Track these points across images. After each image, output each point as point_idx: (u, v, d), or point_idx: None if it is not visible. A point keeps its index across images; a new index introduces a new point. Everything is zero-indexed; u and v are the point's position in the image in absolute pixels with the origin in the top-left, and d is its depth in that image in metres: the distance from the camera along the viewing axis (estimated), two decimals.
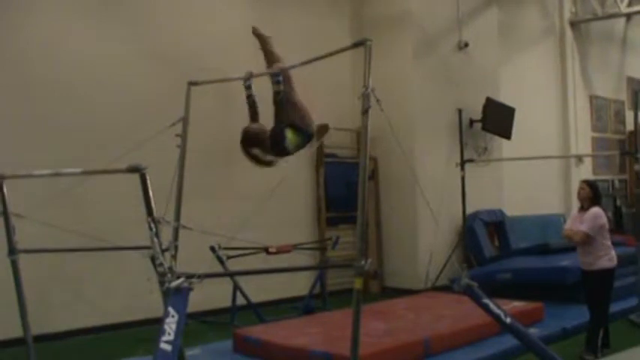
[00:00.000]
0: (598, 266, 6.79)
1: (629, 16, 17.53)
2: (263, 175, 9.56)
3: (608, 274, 6.83)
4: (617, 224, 16.21)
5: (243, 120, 10.29)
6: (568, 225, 7.17)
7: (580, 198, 7.05)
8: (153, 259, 4.21)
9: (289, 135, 5.61)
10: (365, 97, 4.67)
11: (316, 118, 10.99)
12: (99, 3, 8.89)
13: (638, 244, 8.98)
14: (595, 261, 6.79)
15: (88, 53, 8.65)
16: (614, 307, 7.79)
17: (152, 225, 4.08)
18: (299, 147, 5.74)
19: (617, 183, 17.30)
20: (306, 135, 5.73)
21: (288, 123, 5.62)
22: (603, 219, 6.84)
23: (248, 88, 5.99)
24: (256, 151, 5.68)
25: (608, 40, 17.56)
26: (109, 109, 8.76)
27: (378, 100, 4.65)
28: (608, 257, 6.82)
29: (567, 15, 15.98)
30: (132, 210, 5.45)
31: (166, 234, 4.93)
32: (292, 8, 11.00)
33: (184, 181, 6.52)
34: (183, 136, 6.47)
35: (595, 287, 6.87)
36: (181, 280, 3.93)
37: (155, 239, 4.06)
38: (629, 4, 16.06)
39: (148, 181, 4.17)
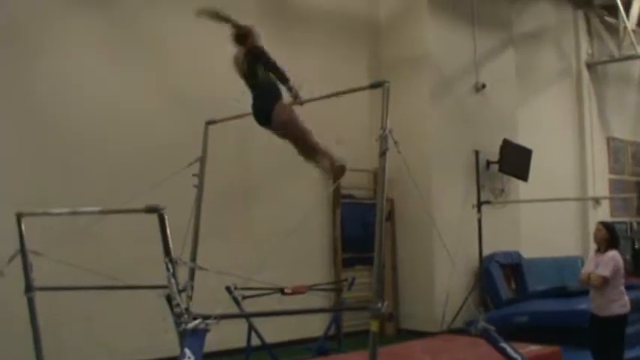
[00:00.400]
0: (610, 312, 6.63)
1: None
2: (280, 216, 9.58)
3: (620, 321, 6.68)
4: (636, 267, 16.02)
5: (260, 161, 10.33)
6: (585, 268, 7.09)
7: (597, 240, 6.95)
8: (168, 298, 4.20)
9: (262, 70, 5.95)
10: (383, 139, 4.67)
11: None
12: (115, 44, 8.98)
13: None
14: (607, 305, 6.65)
15: (105, 93, 8.72)
16: (629, 354, 7.65)
17: (169, 265, 4.08)
18: (257, 78, 6.02)
19: (635, 225, 17.13)
20: (272, 91, 5.99)
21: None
22: (620, 263, 6.74)
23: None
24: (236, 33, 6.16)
25: (624, 81, 17.54)
26: (126, 148, 8.80)
27: (395, 142, 4.65)
28: (620, 303, 6.67)
29: (584, 57, 15.96)
30: (147, 249, 5.45)
31: (182, 274, 4.92)
32: (310, 49, 11.07)
33: (201, 221, 6.51)
34: (201, 176, 6.49)
35: (605, 334, 6.73)
36: (198, 321, 3.91)
37: (172, 280, 4.05)
38: None
39: (167, 222, 4.17)
